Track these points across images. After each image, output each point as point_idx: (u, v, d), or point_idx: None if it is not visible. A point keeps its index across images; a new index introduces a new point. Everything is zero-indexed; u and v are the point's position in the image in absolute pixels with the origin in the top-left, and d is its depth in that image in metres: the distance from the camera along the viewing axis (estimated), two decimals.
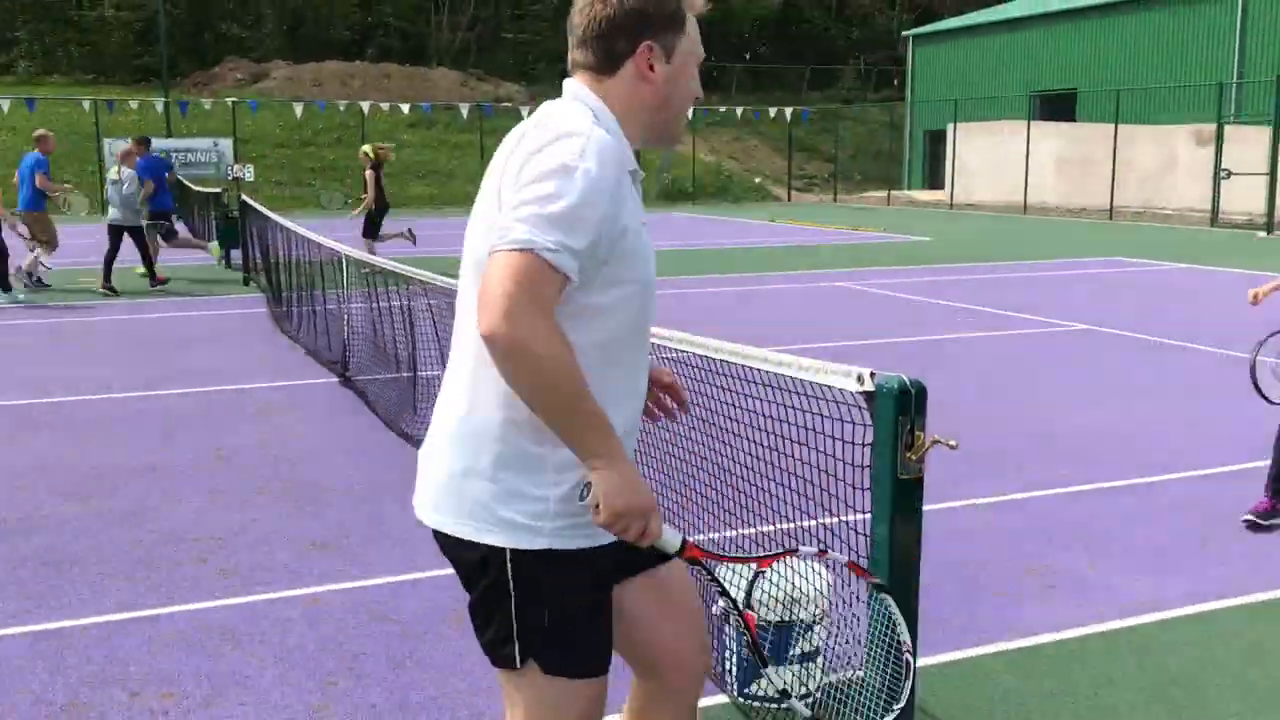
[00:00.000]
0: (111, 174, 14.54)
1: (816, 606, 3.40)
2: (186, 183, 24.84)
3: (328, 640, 4.03)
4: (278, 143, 37.49)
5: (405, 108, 35.57)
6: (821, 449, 3.07)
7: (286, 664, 3.84)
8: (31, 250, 14.29)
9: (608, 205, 1.90)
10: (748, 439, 3.63)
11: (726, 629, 3.48)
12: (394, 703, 3.58)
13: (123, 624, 4.20)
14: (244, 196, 16.23)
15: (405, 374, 7.57)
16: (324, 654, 3.91)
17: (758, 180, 41.53)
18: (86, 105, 33.96)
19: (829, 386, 2.70)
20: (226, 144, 33.22)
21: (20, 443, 6.88)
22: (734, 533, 4.25)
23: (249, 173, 16.33)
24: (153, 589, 4.53)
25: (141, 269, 14.84)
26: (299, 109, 34.50)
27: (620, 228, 1.95)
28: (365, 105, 34.85)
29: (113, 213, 14.36)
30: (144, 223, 14.50)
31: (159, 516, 5.45)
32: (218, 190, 19.37)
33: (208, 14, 50.43)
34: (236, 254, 16.38)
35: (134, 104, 34.89)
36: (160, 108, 34.80)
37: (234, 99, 36.63)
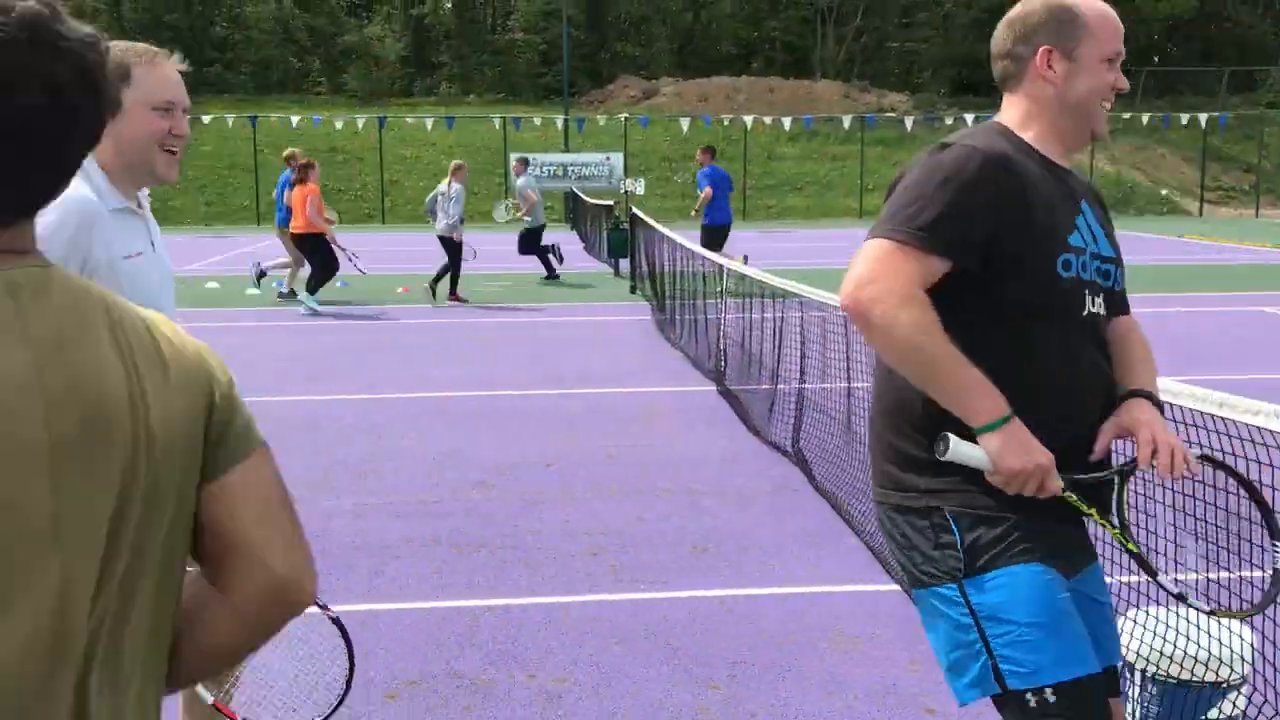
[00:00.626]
0: (441, 186, 14.67)
1: (1232, 670, 3.08)
2: (581, 195, 26.51)
3: (707, 644, 4.13)
4: (664, 156, 39.14)
5: (786, 121, 36.03)
6: None
7: (669, 663, 3.97)
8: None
9: (61, 249, 2.25)
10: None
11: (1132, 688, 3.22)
12: (774, 714, 3.61)
13: (523, 608, 4.52)
14: (634, 209, 17.05)
15: (767, 385, 7.66)
16: (705, 657, 4.02)
17: (1164, 192, 38.46)
18: (496, 122, 37.06)
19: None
20: (618, 158, 35.10)
21: (433, 433, 7.60)
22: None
23: (640, 186, 17.08)
24: (550, 578, 4.85)
25: (426, 283, 14.82)
26: (685, 124, 35.83)
27: (92, 263, 2.36)
28: (748, 119, 35.64)
29: (438, 224, 14.57)
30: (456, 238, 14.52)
31: (556, 509, 5.83)
32: (609, 203, 20.48)
33: (605, 35, 53.56)
34: (625, 263, 17.28)
35: (537, 120, 37.68)
36: (560, 124, 37.36)
37: (626, 115, 38.62)
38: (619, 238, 17.86)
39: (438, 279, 14.68)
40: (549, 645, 4.15)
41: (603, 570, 4.93)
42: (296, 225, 13.53)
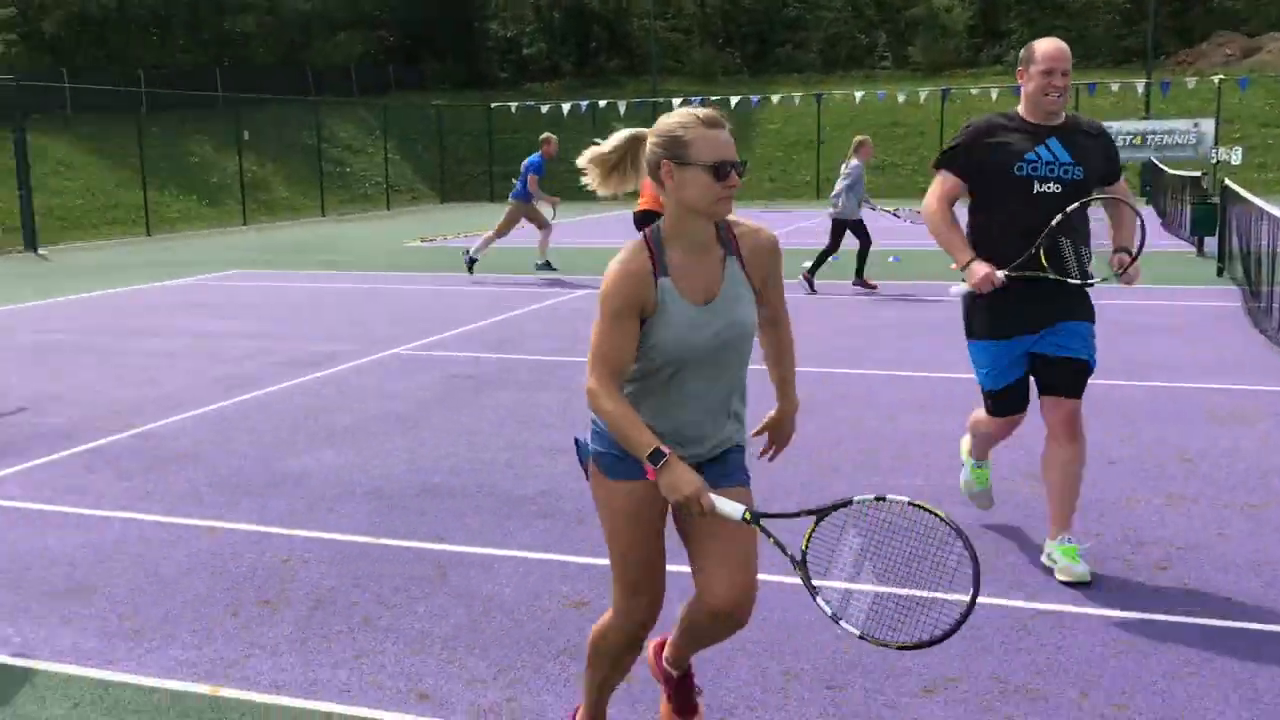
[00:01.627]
0: (844, 167, 13.35)
1: None
2: (1161, 165, 24.21)
3: None
4: (1264, 122, 34.62)
5: None
6: None
7: (1251, 707, 3.43)
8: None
9: None
10: None
11: None
12: None
13: (1076, 618, 4.14)
14: (1226, 180, 15.21)
15: None
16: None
17: None
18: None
19: None
20: (1208, 125, 31.61)
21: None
22: None
23: (1237, 155, 15.16)
24: (1107, 589, 4.41)
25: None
26: None
27: None
28: None
29: (837, 206, 13.31)
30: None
31: (1118, 513, 5.31)
32: (1196, 174, 18.48)
33: None
34: (1211, 243, 15.52)
35: (1114, 86, 34.98)
36: (1140, 89, 34.36)
37: (1220, 76, 34.65)
38: (1205, 212, 16.06)
39: (815, 266, 13.42)
40: (1106, 663, 3.76)
41: (1172, 586, 4.40)
42: (644, 202, 12.65)
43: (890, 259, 16.45)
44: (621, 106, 36.08)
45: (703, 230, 2.75)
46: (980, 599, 4.30)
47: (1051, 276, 4.31)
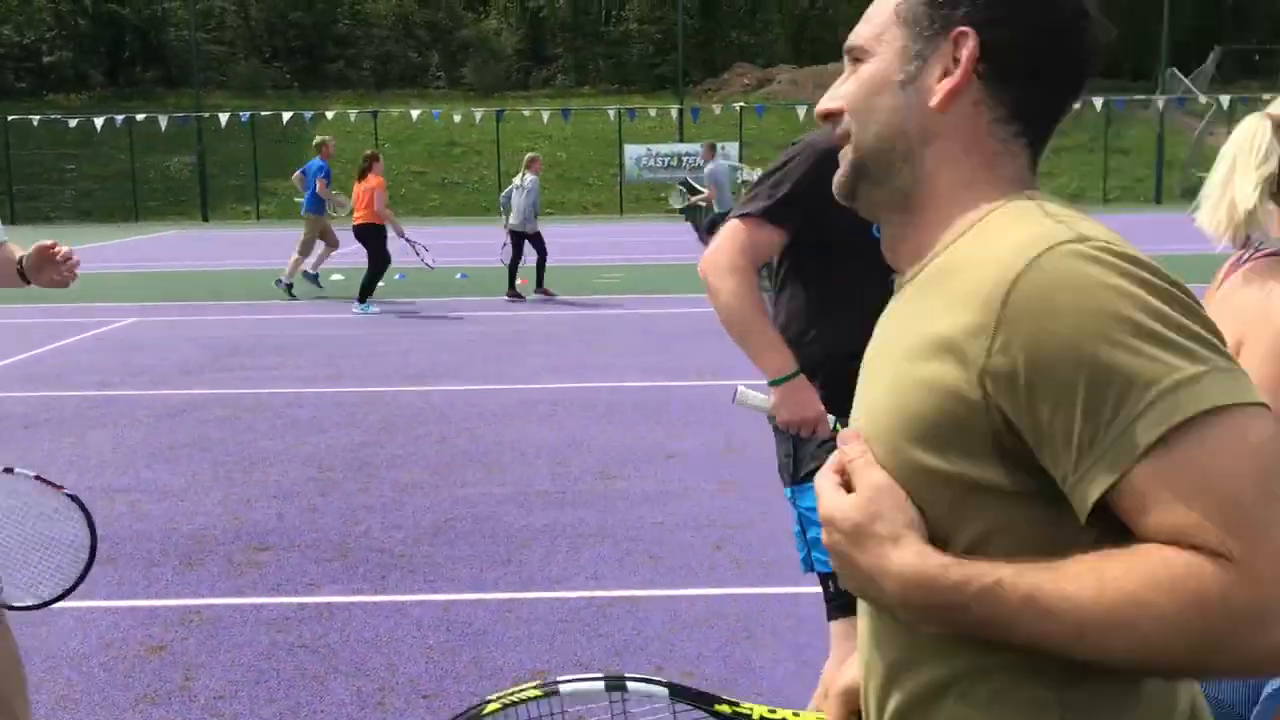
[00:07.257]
0: (516, 179, 14.72)
1: None
2: (695, 185, 26.49)
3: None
4: (779, 145, 38.76)
5: None
6: None
7: (798, 660, 3.94)
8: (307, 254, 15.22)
9: None
10: None
11: None
12: None
13: (646, 600, 4.53)
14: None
15: None
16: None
17: None
18: (611, 114, 37.23)
19: None
20: (732, 147, 34.90)
21: (554, 423, 7.66)
22: None
23: (756, 175, 17.05)
24: (671, 570, 4.85)
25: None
26: (801, 112, 35.48)
27: None
28: None
29: (511, 218, 14.52)
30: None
31: (676, 501, 5.83)
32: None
33: (719, 24, 53.35)
34: None
35: (652, 112, 37.74)
36: (674, 114, 37.32)
37: (740, 104, 38.40)
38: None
39: (512, 274, 14.64)
40: (673, 638, 4.15)
41: (724, 564, 4.91)
42: (360, 216, 13.83)
43: (458, 276, 16.80)
44: (163, 121, 33.78)
45: None
46: (561, 593, 4.64)
47: None
